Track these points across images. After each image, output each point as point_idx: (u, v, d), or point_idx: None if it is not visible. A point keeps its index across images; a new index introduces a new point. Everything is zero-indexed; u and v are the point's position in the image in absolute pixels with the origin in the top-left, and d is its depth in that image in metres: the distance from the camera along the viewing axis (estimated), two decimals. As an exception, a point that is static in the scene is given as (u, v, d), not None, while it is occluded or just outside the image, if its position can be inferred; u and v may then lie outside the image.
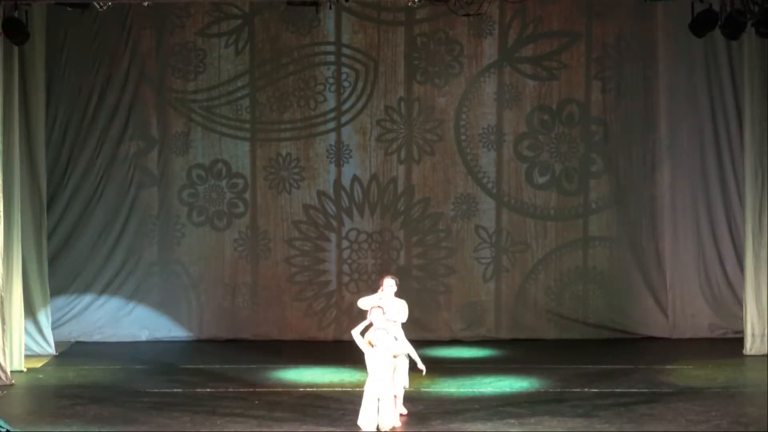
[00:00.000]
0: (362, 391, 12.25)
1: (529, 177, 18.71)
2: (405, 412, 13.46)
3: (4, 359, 15.31)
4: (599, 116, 18.66)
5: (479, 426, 13.01)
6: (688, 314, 18.47)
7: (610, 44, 18.59)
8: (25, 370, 16.01)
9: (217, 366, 16.50)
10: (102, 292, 18.56)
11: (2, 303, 15.41)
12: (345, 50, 18.65)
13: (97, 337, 18.43)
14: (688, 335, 18.43)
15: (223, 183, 18.72)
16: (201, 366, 16.54)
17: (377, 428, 12.12)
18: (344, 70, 18.68)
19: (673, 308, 18.50)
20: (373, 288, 15.51)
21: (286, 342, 18.41)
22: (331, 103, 18.72)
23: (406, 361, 13.26)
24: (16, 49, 15.74)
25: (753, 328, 16.93)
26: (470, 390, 14.77)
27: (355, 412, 12.46)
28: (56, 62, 18.20)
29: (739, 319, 17.66)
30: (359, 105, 18.68)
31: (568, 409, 13.70)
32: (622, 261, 18.62)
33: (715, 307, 18.46)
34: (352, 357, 13.88)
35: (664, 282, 18.56)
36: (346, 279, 18.68)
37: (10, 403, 14.23)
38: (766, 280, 16.80)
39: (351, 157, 18.69)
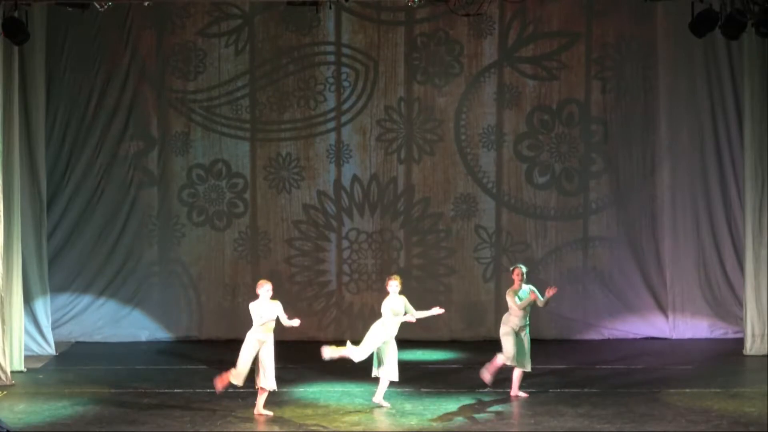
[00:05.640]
0: (362, 392, 12.36)
1: (529, 177, 18.70)
2: (388, 405, 13.87)
3: (4, 359, 15.30)
4: (599, 116, 18.65)
5: (480, 426, 13.02)
6: (688, 314, 18.46)
7: (610, 44, 18.58)
8: (25, 370, 16.01)
9: (217, 366, 16.47)
10: (102, 292, 18.55)
11: (2, 303, 15.40)
12: (345, 50, 18.65)
13: (97, 338, 18.42)
14: (688, 335, 18.43)
15: (223, 183, 18.71)
16: (201, 366, 16.53)
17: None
18: (344, 70, 18.68)
19: (673, 308, 18.50)
20: (374, 287, 15.58)
21: (286, 342, 18.32)
22: (331, 103, 18.71)
23: (395, 353, 13.85)
24: (16, 49, 15.73)
25: (753, 328, 16.94)
26: (470, 390, 14.75)
27: (356, 412, 12.47)
28: (56, 62, 18.19)
29: (739, 319, 17.68)
30: (359, 105, 18.67)
31: (568, 409, 13.70)
32: (622, 261, 18.62)
33: (715, 307, 18.45)
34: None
35: (664, 282, 18.55)
36: (346, 279, 18.67)
37: (10, 403, 14.21)
38: (766, 280, 16.80)
39: (351, 157, 18.69)
